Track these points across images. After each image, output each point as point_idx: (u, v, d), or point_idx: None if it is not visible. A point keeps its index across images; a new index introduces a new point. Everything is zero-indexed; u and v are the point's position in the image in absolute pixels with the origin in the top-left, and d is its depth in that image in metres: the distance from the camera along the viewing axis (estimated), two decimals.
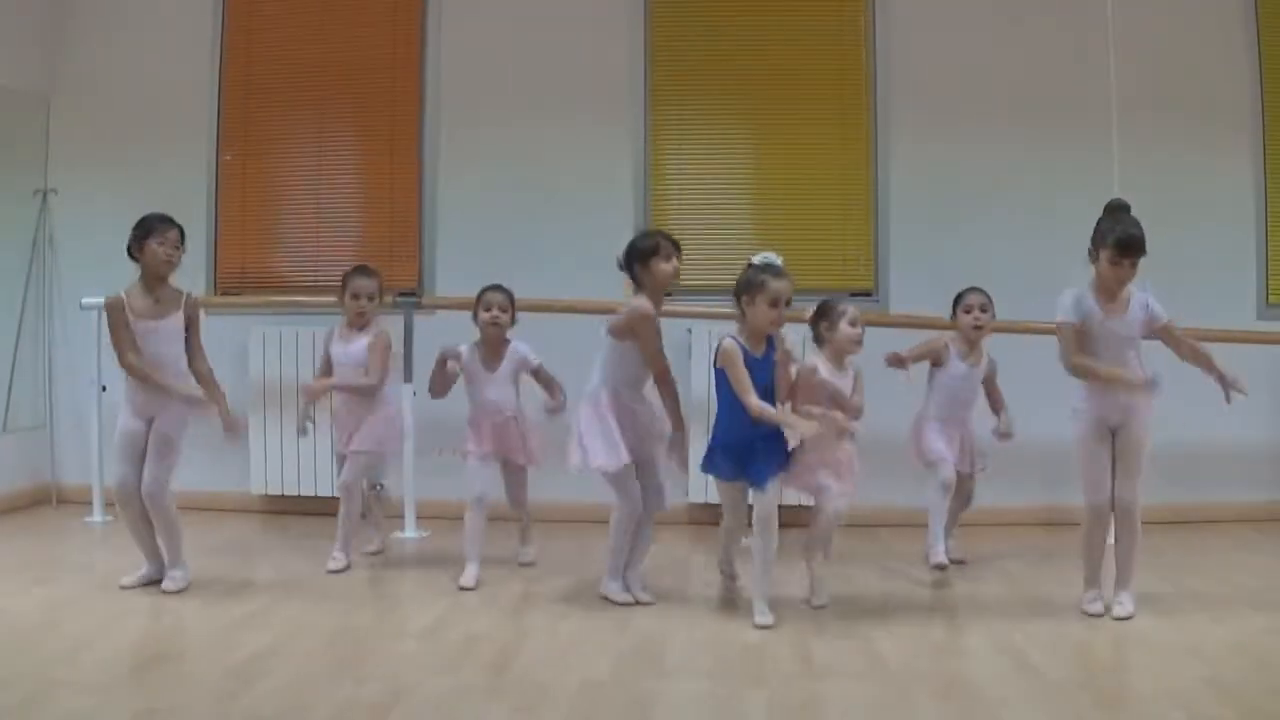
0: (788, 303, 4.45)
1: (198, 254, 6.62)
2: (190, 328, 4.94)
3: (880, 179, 6.81)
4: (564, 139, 6.85)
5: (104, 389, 6.38)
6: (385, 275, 5.76)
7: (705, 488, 6.15)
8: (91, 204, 6.94)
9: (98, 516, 6.47)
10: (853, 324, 4.69)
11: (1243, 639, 4.23)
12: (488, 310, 5.25)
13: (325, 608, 4.62)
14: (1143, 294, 4.50)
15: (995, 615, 4.63)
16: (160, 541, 4.92)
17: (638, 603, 4.72)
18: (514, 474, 5.50)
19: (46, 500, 6.94)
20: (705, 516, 6.30)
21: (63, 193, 7.05)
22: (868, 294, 6.73)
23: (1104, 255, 4.37)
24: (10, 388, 6.81)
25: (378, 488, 5.84)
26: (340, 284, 5.53)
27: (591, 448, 4.60)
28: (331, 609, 4.62)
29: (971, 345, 5.42)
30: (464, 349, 5.28)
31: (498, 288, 5.30)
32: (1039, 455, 6.08)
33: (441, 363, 5.26)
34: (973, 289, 5.46)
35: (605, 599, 4.75)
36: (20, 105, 6.94)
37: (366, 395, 5.37)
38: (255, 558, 5.76)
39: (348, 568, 5.34)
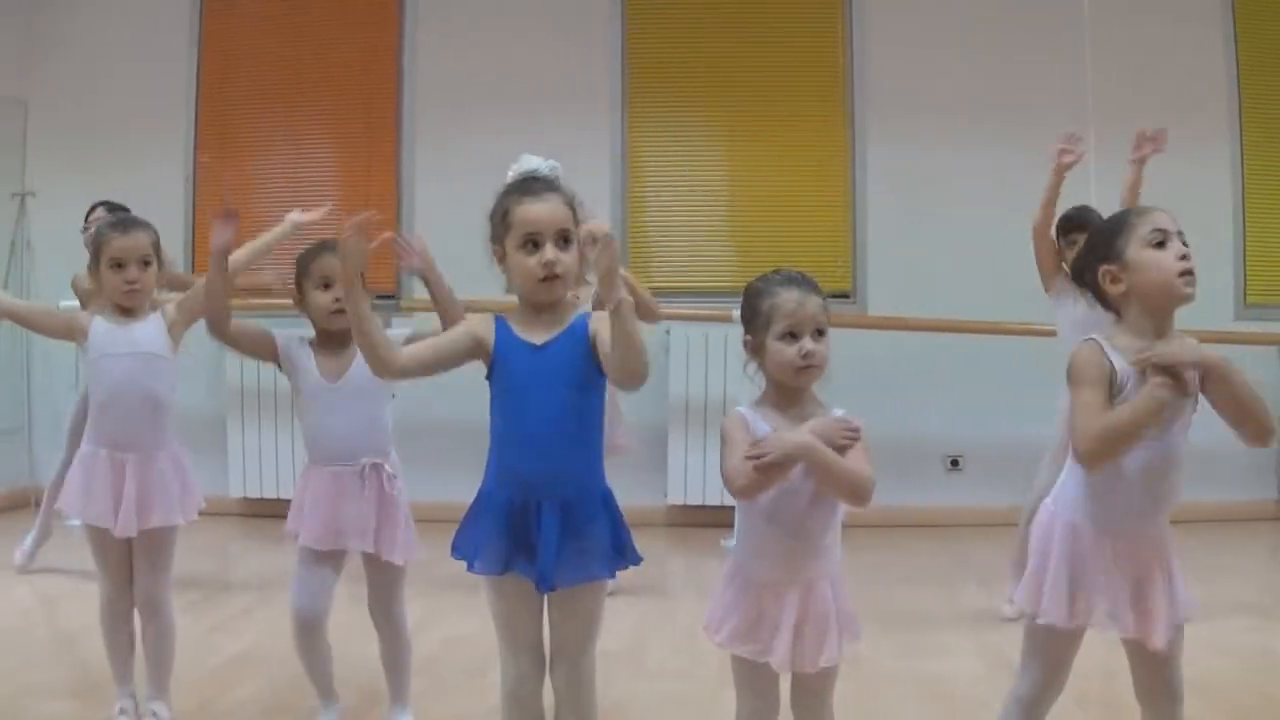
0: (566, 239, 2.51)
1: (175, 256, 6.59)
2: None
3: (858, 180, 6.83)
4: (541, 142, 6.76)
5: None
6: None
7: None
8: (70, 207, 6.86)
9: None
10: (792, 334, 2.32)
11: (1224, 640, 4.21)
12: (326, 288, 3.18)
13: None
14: None
15: (980, 620, 4.59)
16: None
17: None
18: (378, 575, 3.20)
19: (25, 503, 6.90)
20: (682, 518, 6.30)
21: (41, 196, 7.02)
22: (845, 295, 6.75)
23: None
24: None
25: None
26: (96, 252, 3.33)
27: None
28: None
29: None
30: (286, 339, 3.26)
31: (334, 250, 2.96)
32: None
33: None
34: None
35: None
36: None
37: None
38: (233, 561, 5.74)
39: None
